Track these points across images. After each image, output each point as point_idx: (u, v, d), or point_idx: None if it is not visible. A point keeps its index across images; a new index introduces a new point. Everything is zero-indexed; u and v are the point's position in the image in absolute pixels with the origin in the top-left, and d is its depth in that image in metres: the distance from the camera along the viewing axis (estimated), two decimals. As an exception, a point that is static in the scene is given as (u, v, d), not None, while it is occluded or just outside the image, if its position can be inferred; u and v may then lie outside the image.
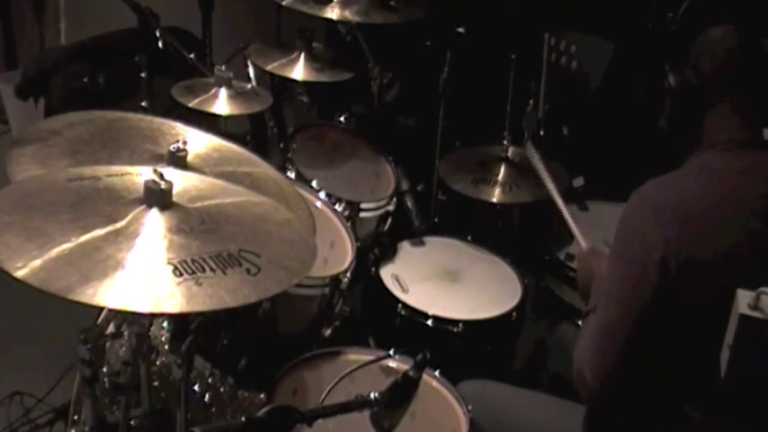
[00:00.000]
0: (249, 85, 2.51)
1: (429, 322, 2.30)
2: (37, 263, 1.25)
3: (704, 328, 1.53)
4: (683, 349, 1.59)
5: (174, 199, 1.45)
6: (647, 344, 1.59)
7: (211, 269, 1.34)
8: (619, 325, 1.60)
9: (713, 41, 1.62)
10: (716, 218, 1.57)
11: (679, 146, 1.68)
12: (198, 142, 1.83)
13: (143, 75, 2.63)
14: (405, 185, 2.73)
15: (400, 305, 2.34)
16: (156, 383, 1.83)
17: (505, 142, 2.72)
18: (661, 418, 1.66)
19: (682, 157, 1.67)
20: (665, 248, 1.53)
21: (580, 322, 1.97)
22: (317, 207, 2.35)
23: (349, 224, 2.35)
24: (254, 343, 2.06)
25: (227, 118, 2.38)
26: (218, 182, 1.65)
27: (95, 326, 1.57)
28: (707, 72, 1.61)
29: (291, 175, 2.50)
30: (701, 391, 1.60)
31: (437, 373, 1.98)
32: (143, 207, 1.42)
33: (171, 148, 1.71)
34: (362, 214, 2.49)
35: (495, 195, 2.64)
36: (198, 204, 1.49)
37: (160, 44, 2.54)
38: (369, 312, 2.56)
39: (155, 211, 1.41)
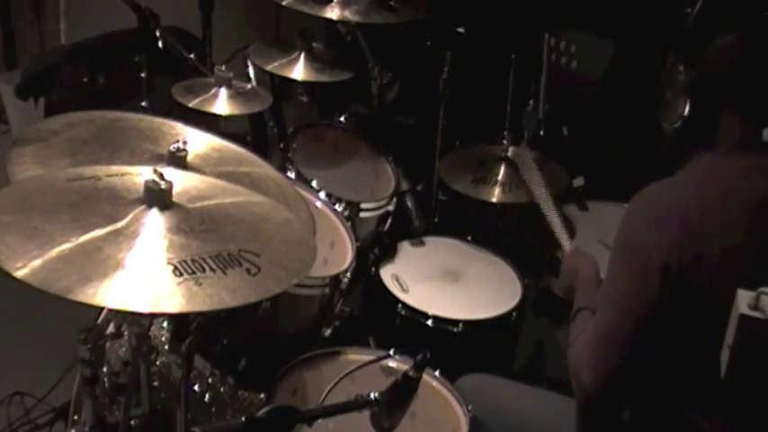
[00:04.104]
0: (249, 85, 2.51)
1: (429, 322, 2.30)
2: (37, 263, 1.24)
3: (705, 328, 1.52)
4: (684, 351, 1.59)
5: (174, 199, 1.45)
6: (647, 345, 1.59)
7: (211, 269, 1.34)
8: (619, 327, 1.59)
9: (724, 47, 1.61)
10: (717, 220, 1.56)
11: (683, 146, 1.67)
12: (198, 142, 1.83)
13: (143, 75, 2.63)
14: (405, 185, 2.73)
15: (400, 305, 2.34)
16: (156, 383, 1.83)
17: (505, 142, 2.72)
18: (659, 419, 1.66)
19: (682, 157, 1.67)
20: (667, 252, 1.53)
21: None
22: (317, 207, 2.35)
23: (349, 224, 2.35)
24: (254, 343, 2.06)
25: (227, 118, 2.38)
26: (218, 182, 1.64)
27: (95, 326, 1.57)
28: (717, 75, 1.60)
29: (291, 175, 2.49)
30: (701, 392, 1.60)
31: (437, 372, 1.98)
32: (143, 207, 1.42)
33: (171, 148, 1.71)
34: (362, 214, 2.49)
35: (495, 195, 2.63)
36: (198, 204, 1.49)
37: (160, 44, 2.54)
38: (369, 312, 2.56)
39: (155, 211, 1.41)
